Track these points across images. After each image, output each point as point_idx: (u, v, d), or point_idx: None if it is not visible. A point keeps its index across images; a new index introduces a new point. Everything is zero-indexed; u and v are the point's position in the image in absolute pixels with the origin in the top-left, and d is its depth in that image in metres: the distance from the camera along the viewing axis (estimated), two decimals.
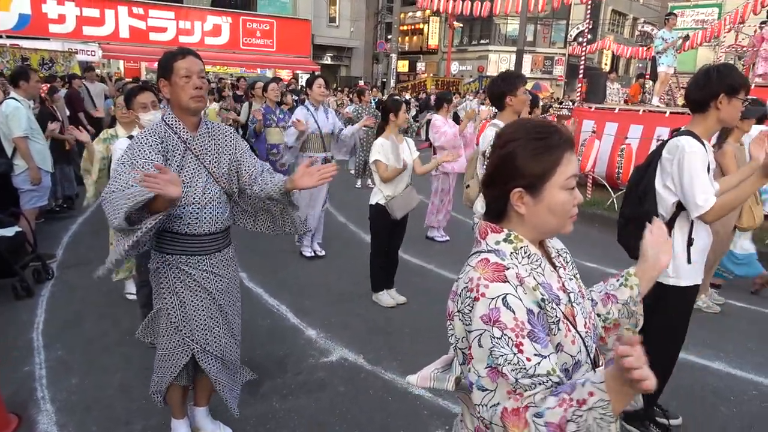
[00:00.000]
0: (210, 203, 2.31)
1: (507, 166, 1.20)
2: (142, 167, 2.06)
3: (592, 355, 1.23)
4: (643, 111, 8.82)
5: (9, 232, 4.40)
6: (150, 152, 2.14)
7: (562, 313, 1.17)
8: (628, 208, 2.71)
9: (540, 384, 1.05)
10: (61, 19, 20.79)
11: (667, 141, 2.59)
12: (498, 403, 1.07)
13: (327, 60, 30.55)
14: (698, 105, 2.48)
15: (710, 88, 2.41)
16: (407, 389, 3.27)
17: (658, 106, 9.43)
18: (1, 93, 6.30)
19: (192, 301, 2.36)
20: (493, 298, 1.09)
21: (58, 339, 3.73)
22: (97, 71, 12.83)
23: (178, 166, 2.23)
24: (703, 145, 2.45)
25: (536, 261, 1.21)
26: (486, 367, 1.08)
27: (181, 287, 2.34)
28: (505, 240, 1.21)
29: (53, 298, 4.43)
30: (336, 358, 3.65)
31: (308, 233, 5.49)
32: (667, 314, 2.59)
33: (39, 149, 5.15)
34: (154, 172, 1.92)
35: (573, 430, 0.99)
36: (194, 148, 2.28)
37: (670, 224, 2.51)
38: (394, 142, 4.33)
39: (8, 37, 18.09)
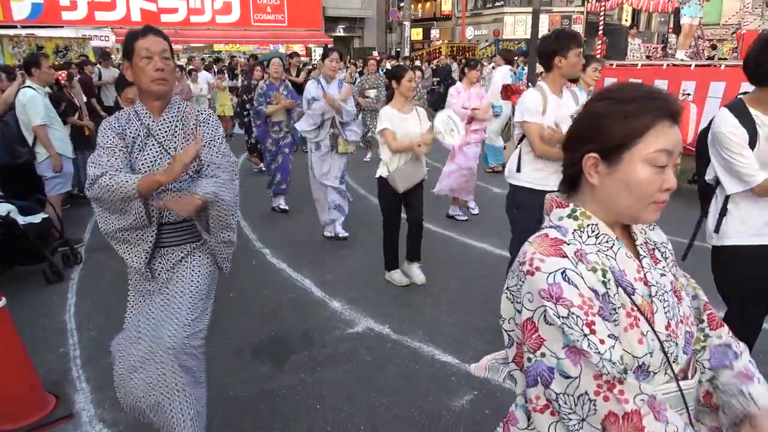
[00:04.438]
0: (170, 191, 2.13)
1: (586, 125, 1.06)
2: (106, 150, 2.06)
3: (674, 364, 1.05)
4: (667, 65, 8.52)
5: (36, 218, 4.48)
6: (111, 135, 2.08)
7: (632, 303, 1.01)
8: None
9: (625, 372, 0.93)
10: (73, 5, 20.88)
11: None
12: (586, 392, 0.92)
13: (339, 32, 30.13)
14: (761, 78, 2.17)
15: None
16: (433, 356, 3.28)
17: (682, 59, 9.09)
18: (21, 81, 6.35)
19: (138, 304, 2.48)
20: (550, 273, 0.96)
21: (89, 320, 3.82)
22: (112, 56, 12.87)
23: (139, 151, 2.13)
24: (744, 118, 2.19)
25: (606, 242, 1.06)
26: (564, 347, 0.94)
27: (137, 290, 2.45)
28: (569, 216, 1.08)
29: (83, 282, 4.52)
30: (361, 329, 3.67)
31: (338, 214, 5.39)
32: (733, 283, 2.39)
33: (59, 136, 5.20)
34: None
35: None
36: (156, 134, 2.14)
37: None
38: (401, 112, 4.14)
39: (23, 27, 18.24)
